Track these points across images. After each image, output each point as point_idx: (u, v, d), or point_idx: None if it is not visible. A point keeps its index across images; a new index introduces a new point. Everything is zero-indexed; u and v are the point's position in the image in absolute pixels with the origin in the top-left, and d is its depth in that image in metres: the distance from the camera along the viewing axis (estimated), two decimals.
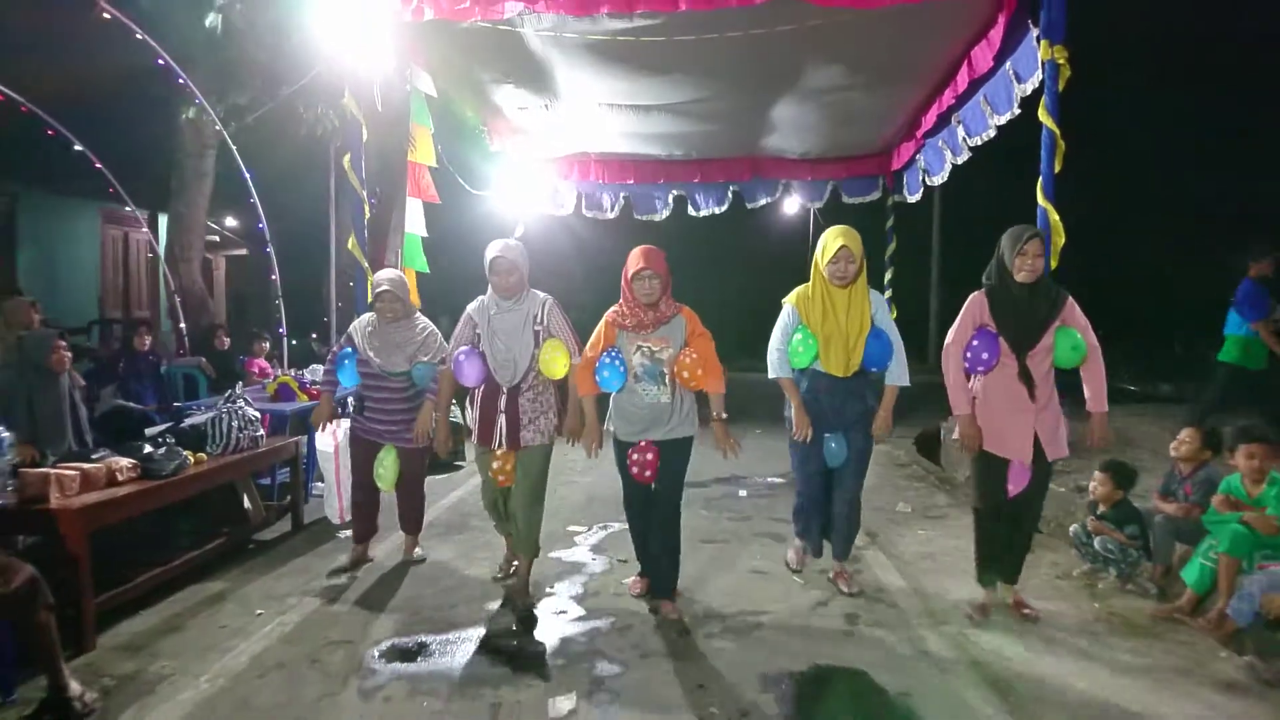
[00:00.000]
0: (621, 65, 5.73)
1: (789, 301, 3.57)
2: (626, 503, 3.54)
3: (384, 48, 4.91)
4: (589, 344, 3.37)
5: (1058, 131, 4.36)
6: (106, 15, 4.43)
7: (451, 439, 4.50)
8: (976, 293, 3.42)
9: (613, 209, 9.08)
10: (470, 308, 3.54)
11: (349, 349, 3.90)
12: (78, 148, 5.79)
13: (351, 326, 4.00)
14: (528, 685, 2.75)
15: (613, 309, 3.36)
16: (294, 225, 8.30)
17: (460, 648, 3.07)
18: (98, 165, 6.02)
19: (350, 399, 4.37)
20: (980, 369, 3.34)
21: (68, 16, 4.63)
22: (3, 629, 2.60)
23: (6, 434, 3.10)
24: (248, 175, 5.68)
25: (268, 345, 6.88)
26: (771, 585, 3.78)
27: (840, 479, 3.59)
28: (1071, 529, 4.00)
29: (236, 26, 5.71)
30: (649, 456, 3.26)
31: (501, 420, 3.44)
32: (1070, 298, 3.33)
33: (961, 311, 3.41)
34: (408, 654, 3.02)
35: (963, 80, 5.64)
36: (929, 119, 6.68)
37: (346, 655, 2.98)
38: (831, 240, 3.42)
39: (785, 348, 3.50)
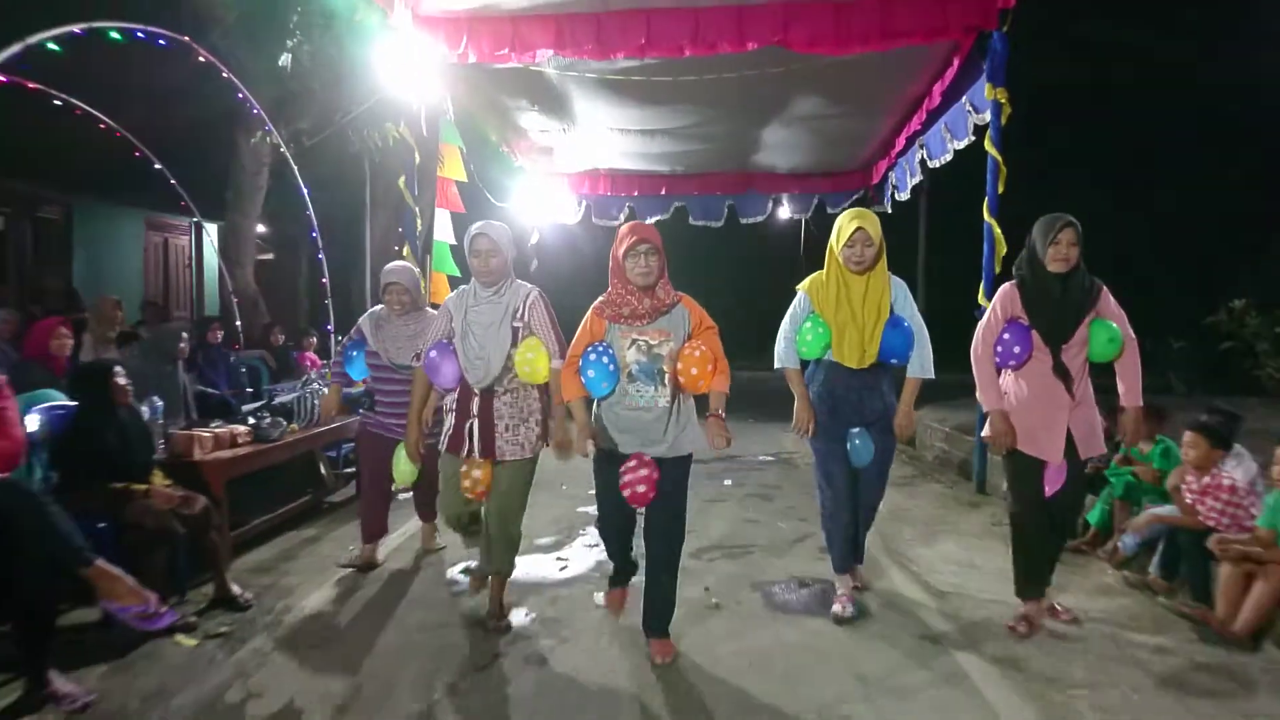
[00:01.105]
0: (631, 97, 6.61)
1: (801, 288, 3.31)
2: (603, 526, 3.12)
3: (431, 83, 5.76)
4: (573, 341, 2.93)
5: (1000, 159, 5.24)
6: (201, 59, 5.26)
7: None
8: (1007, 284, 3.27)
9: (619, 217, 9.97)
10: (449, 298, 3.20)
11: (358, 340, 3.88)
12: (156, 166, 6.61)
13: (361, 319, 3.94)
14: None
15: (600, 298, 2.90)
16: (332, 232, 9.15)
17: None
18: (172, 181, 6.85)
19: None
20: (1012, 363, 3.18)
21: (165, 57, 5.46)
22: (178, 546, 3.43)
23: (160, 401, 3.95)
24: (305, 191, 6.52)
25: (315, 340, 7.74)
26: (759, 529, 4.61)
27: (864, 482, 3.30)
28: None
29: (302, 64, 6.58)
30: (645, 473, 2.74)
31: (473, 425, 3.05)
32: (1105, 288, 3.18)
33: (991, 303, 3.29)
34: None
35: (926, 110, 6.55)
36: (900, 141, 7.59)
37: (438, 559, 3.93)
38: (847, 223, 3.17)
39: (794, 336, 3.23)
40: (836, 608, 3.30)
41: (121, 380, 3.41)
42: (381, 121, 6.35)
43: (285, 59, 6.49)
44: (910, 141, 7.33)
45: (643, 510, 2.89)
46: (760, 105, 6.94)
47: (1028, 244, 3.22)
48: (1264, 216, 11.24)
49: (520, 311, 3.06)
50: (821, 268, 3.27)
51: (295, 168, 6.37)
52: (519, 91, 6.66)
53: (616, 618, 3.22)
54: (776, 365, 3.30)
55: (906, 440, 3.41)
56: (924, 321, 3.27)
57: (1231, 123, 11.54)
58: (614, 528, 3.05)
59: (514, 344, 3.02)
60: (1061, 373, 3.12)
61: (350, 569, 3.84)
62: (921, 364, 3.21)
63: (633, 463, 2.75)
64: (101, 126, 6.23)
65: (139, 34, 4.84)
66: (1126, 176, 12.79)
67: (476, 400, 3.06)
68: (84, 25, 4.24)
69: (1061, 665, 2.85)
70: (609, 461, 2.89)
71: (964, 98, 5.79)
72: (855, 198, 9.52)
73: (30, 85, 4.68)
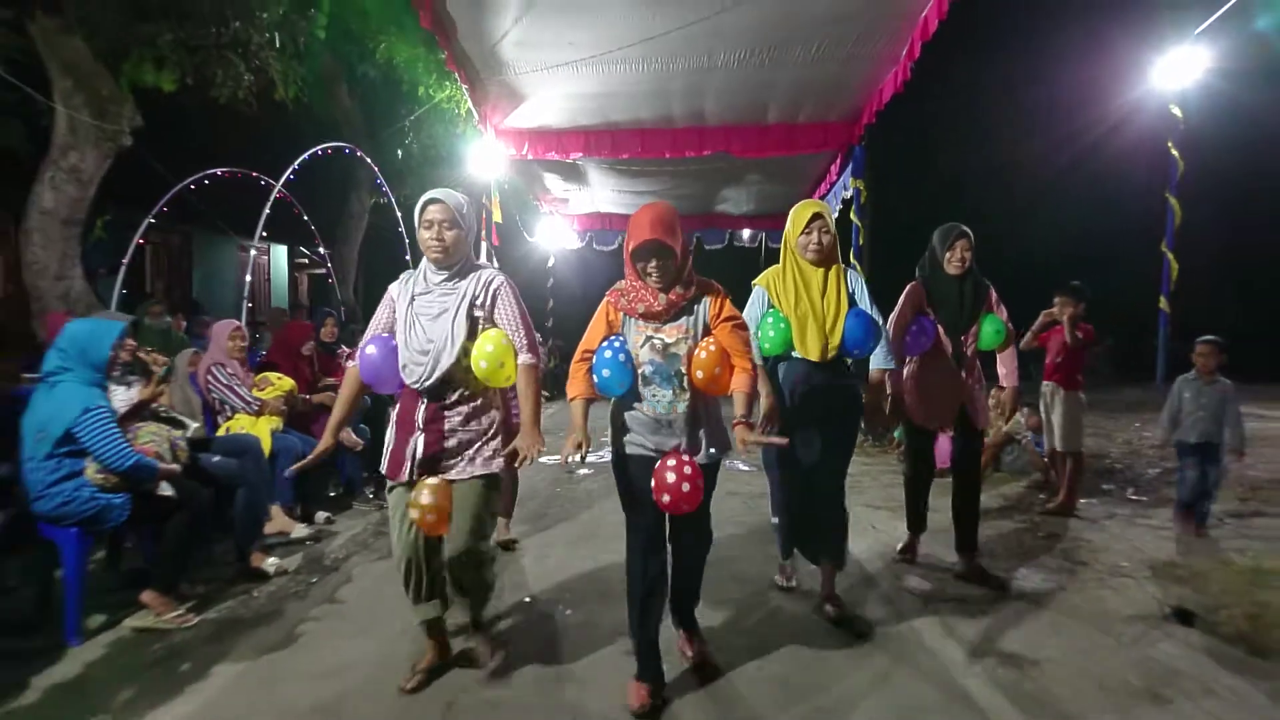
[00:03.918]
0: (626, 173, 9.78)
1: (758, 283, 3.27)
2: (637, 550, 2.62)
3: (498, 164, 8.86)
4: (587, 332, 2.62)
5: (862, 227, 8.46)
6: (354, 151, 8.35)
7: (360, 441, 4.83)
8: (914, 282, 3.74)
9: (614, 244, 13.14)
10: (392, 285, 2.71)
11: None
12: (297, 210, 9.63)
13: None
14: None
15: (615, 289, 2.60)
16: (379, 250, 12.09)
17: None
18: (305, 218, 9.83)
19: None
20: (917, 351, 3.70)
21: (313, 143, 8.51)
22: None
23: None
24: (404, 231, 9.58)
25: None
26: (735, 500, 5.43)
27: (818, 476, 3.22)
28: None
29: (411, 151, 9.59)
30: (688, 472, 2.40)
31: (417, 441, 2.54)
32: (992, 288, 3.75)
33: (901, 299, 3.72)
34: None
35: (825, 185, 9.81)
36: (817, 196, 10.87)
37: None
38: (802, 211, 3.17)
39: (754, 333, 3.14)
40: (778, 577, 3.69)
41: None
42: (457, 185, 9.50)
43: (400, 151, 9.56)
44: (823, 197, 10.60)
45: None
46: (717, 177, 10.14)
47: (929, 250, 3.74)
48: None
49: (481, 299, 2.55)
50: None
51: (400, 214, 9.42)
52: (552, 169, 9.80)
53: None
54: None
55: (878, 434, 3.87)
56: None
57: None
58: (646, 538, 2.58)
59: (471, 337, 2.51)
60: (959, 359, 3.66)
61: None
62: (884, 355, 3.26)
63: (672, 461, 2.41)
64: (262, 183, 9.23)
65: (321, 151, 7.90)
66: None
67: (422, 409, 2.53)
68: (321, 147, 7.29)
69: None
70: (638, 465, 2.55)
71: (841, 179, 9.04)
72: None
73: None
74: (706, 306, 2.56)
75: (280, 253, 12.66)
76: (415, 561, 2.63)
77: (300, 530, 4.61)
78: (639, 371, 2.55)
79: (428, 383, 2.53)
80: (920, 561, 4.13)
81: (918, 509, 4.04)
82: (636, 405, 2.58)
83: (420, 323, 2.56)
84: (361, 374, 2.66)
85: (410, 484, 2.56)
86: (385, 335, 2.64)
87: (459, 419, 2.58)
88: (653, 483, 2.45)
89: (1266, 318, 13.73)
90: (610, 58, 6.36)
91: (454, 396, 2.58)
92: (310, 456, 2.73)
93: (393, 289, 2.69)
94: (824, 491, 3.28)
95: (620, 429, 2.63)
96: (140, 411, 3.65)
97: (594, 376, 2.55)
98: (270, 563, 3.96)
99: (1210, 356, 4.65)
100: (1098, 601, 3.62)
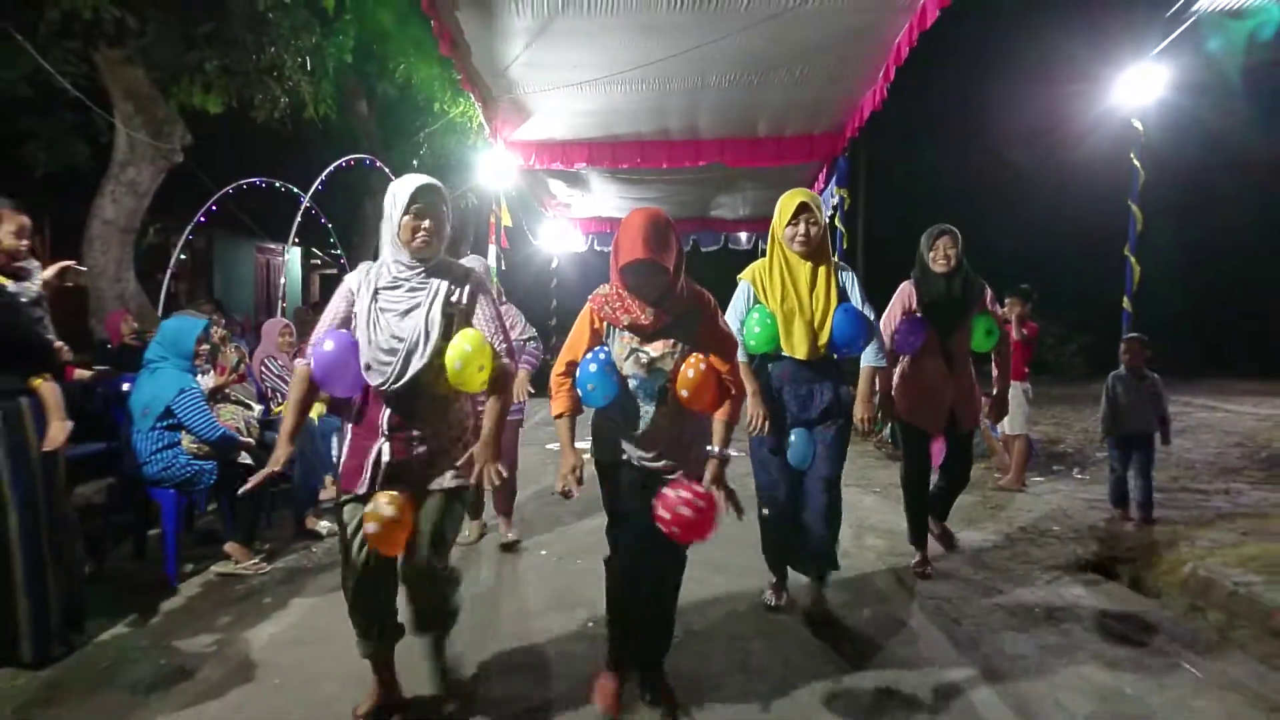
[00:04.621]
0: (626, 180, 10.45)
1: (743, 278, 3.13)
2: (620, 578, 2.47)
3: (506, 172, 9.52)
4: (565, 347, 2.47)
5: (845, 232, 9.13)
6: (373, 162, 9.02)
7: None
8: (906, 282, 3.70)
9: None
10: (350, 277, 2.43)
11: None
12: (323, 219, 10.29)
13: None
14: None
15: (598, 294, 2.41)
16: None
17: None
18: (328, 225, 10.51)
19: None
20: (907, 350, 3.61)
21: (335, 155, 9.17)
22: None
23: None
24: None
25: None
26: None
27: (809, 482, 3.07)
28: None
29: (425, 161, 10.26)
30: (684, 496, 2.21)
31: (381, 448, 2.31)
32: (988, 288, 3.68)
33: (893, 299, 3.70)
34: None
35: (816, 190, 10.49)
36: None
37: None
38: (789, 200, 3.01)
39: (740, 329, 3.01)
40: (768, 595, 3.40)
41: None
42: (469, 191, 10.06)
43: (417, 160, 10.23)
44: None
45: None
46: (711, 183, 10.83)
47: (918, 251, 3.69)
48: None
49: (458, 295, 2.36)
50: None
51: None
52: (556, 176, 10.48)
53: (607, 716, 2.47)
54: None
55: (866, 432, 3.33)
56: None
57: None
58: (630, 560, 2.42)
59: (445, 336, 2.29)
60: (948, 359, 3.60)
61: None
62: (875, 352, 3.15)
63: (685, 493, 2.22)
64: (282, 190, 9.89)
65: (347, 163, 8.55)
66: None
67: (387, 414, 2.32)
68: (346, 159, 7.95)
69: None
70: (615, 472, 2.46)
71: (828, 188, 9.71)
72: None
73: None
74: (697, 320, 2.39)
75: (294, 254, 13.33)
76: (369, 585, 2.36)
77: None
78: (623, 384, 2.40)
79: (395, 385, 2.27)
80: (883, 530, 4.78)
81: (921, 517, 3.87)
82: (617, 417, 2.45)
83: (385, 319, 2.30)
84: (315, 373, 2.32)
85: (366, 497, 2.29)
86: (341, 331, 2.35)
87: (429, 426, 2.34)
88: (661, 511, 2.23)
89: (1218, 317, 14.51)
90: (611, 79, 7.01)
91: (423, 400, 2.32)
92: (262, 472, 2.40)
93: (351, 280, 2.41)
94: (815, 501, 3.07)
95: (602, 440, 2.53)
96: (215, 395, 4.32)
97: (578, 390, 2.40)
98: (323, 525, 4.63)
99: (1135, 353, 5.14)
100: (1024, 555, 4.30)
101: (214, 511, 4.69)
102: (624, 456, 2.47)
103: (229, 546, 3.94)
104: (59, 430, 2.83)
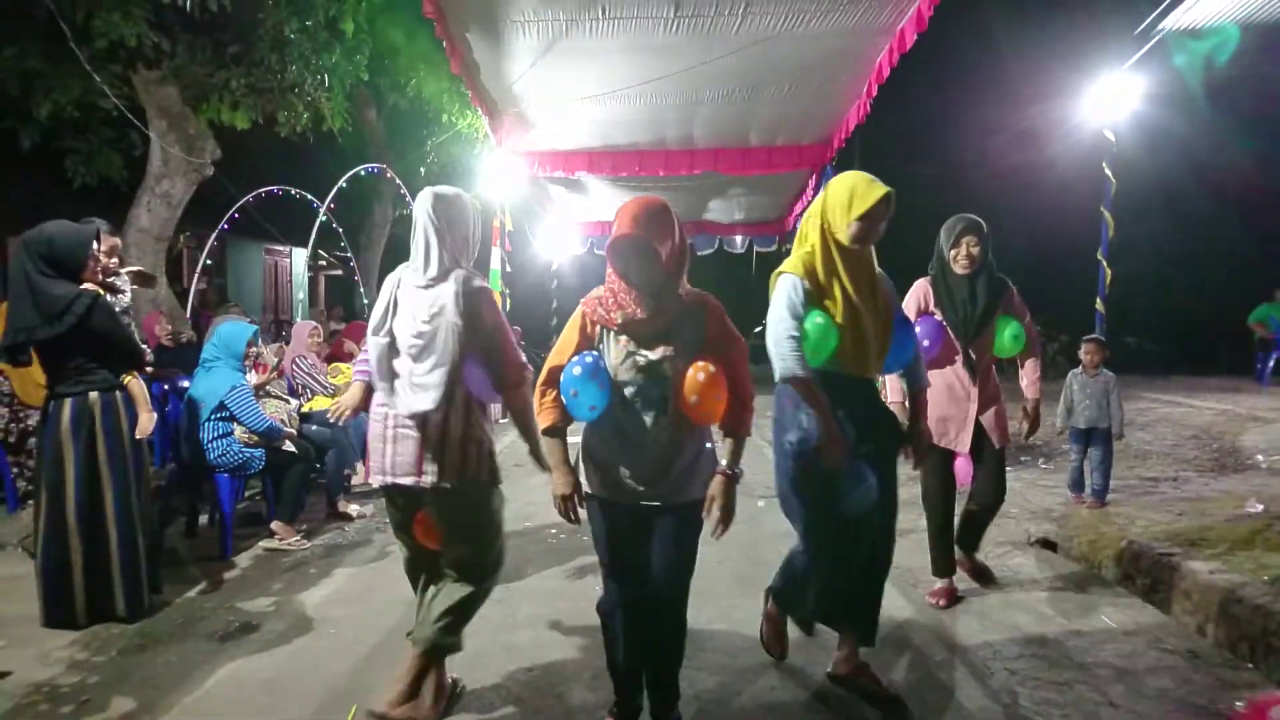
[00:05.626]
0: (625, 186, 10.96)
1: (792, 272, 2.51)
2: (607, 606, 2.29)
3: (511, 179, 10.00)
4: (553, 352, 2.24)
5: None
6: (388, 174, 9.51)
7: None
8: (921, 280, 3.35)
9: None
10: (391, 276, 2.50)
11: None
12: (336, 226, 10.77)
13: None
14: None
15: (590, 297, 2.23)
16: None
17: None
18: (337, 228, 10.98)
19: None
20: (924, 356, 3.06)
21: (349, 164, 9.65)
22: None
23: None
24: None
25: None
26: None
27: (868, 529, 2.51)
28: None
29: (432, 169, 10.74)
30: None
31: (409, 439, 2.35)
32: (1012, 287, 3.30)
33: (906, 298, 3.26)
34: None
35: (805, 197, 10.99)
36: (798, 208, 12.06)
37: None
38: (865, 187, 2.41)
39: (800, 335, 2.43)
40: (765, 626, 2.90)
41: None
42: (474, 198, 10.57)
43: (425, 165, 10.72)
44: (800, 212, 11.79)
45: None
46: (705, 189, 11.35)
47: (937, 245, 3.29)
48: None
49: (459, 304, 2.34)
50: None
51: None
52: (558, 183, 10.98)
53: None
54: (782, 376, 2.45)
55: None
56: None
57: None
58: (622, 598, 2.24)
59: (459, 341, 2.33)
60: (970, 367, 3.23)
61: None
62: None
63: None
64: (296, 197, 10.36)
65: (363, 171, 9.03)
66: None
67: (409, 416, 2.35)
68: (362, 167, 8.43)
69: None
70: (605, 510, 2.22)
71: (817, 195, 10.22)
72: (775, 240, 13.98)
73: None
74: (702, 323, 2.18)
75: (300, 255, 13.77)
76: (415, 561, 2.64)
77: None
78: (619, 392, 2.16)
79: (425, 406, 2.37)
80: None
81: (946, 543, 3.50)
82: (610, 432, 2.19)
83: (406, 318, 2.40)
84: (472, 388, 2.40)
85: (399, 488, 2.40)
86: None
87: (456, 415, 2.39)
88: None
89: (1193, 316, 15.10)
90: (611, 95, 7.51)
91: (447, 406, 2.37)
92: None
93: (390, 281, 2.49)
94: (870, 549, 2.56)
95: (592, 466, 2.25)
96: (258, 392, 4.81)
97: (563, 396, 2.17)
98: (354, 508, 5.13)
99: (1094, 353, 5.59)
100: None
101: (251, 496, 5.19)
102: (619, 491, 2.20)
103: (275, 525, 4.44)
104: (147, 420, 3.33)
